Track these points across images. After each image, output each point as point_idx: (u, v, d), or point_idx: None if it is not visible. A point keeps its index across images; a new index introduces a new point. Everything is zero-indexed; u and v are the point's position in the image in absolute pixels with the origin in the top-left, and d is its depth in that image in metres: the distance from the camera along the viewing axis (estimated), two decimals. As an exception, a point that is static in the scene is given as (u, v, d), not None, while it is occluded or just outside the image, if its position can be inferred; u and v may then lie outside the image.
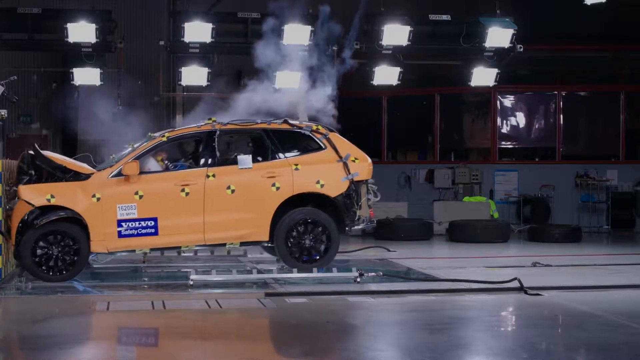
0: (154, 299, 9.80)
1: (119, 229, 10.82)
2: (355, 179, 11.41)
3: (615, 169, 20.83)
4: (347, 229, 11.49)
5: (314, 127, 11.72)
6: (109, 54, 16.79)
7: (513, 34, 16.65)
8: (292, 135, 11.63)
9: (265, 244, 11.46)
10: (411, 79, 19.02)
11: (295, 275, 11.11)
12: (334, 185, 11.36)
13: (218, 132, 11.37)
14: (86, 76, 16.37)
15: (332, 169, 11.42)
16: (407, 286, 10.76)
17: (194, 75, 16.54)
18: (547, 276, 11.77)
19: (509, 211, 20.63)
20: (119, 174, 10.95)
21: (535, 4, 19.61)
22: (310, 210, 11.35)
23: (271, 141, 11.47)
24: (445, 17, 16.79)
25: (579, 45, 20.33)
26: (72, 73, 16.32)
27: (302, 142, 11.63)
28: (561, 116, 21.09)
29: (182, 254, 12.86)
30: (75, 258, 10.74)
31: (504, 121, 21.36)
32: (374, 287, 10.66)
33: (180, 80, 16.76)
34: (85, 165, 11.24)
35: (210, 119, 11.62)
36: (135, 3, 20.03)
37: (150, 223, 10.87)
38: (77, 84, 16.53)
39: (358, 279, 10.87)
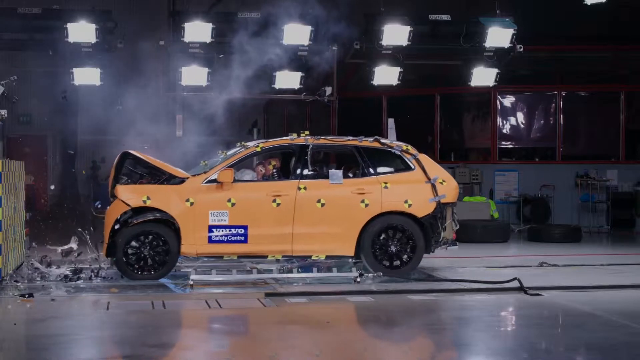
0: (154, 299, 9.81)
1: (210, 234, 10.96)
2: (442, 200, 11.48)
3: (615, 169, 20.82)
4: (431, 250, 11.54)
5: (404, 147, 11.81)
6: (108, 54, 16.77)
7: (513, 34, 16.63)
8: (382, 153, 11.73)
9: (350, 259, 11.47)
10: (411, 79, 18.99)
11: (295, 275, 11.15)
12: (421, 205, 11.41)
13: (311, 146, 11.48)
14: (86, 76, 16.34)
15: (421, 189, 11.48)
16: (407, 286, 10.77)
17: (194, 75, 16.53)
18: (547, 276, 11.77)
19: (509, 211, 20.61)
20: (214, 180, 11.05)
21: (535, 4, 19.61)
22: (398, 218, 11.36)
23: (362, 158, 11.57)
24: (445, 17, 16.77)
25: (579, 45, 20.32)
26: (72, 73, 16.29)
27: (391, 161, 11.73)
28: (561, 116, 21.07)
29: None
30: (165, 259, 10.89)
31: (504, 121, 21.35)
32: (374, 287, 10.68)
33: (180, 80, 16.75)
34: (179, 169, 11.38)
35: (303, 132, 11.71)
36: (135, 3, 20.03)
37: (241, 231, 10.98)
38: (77, 84, 16.51)
39: (358, 279, 10.89)
